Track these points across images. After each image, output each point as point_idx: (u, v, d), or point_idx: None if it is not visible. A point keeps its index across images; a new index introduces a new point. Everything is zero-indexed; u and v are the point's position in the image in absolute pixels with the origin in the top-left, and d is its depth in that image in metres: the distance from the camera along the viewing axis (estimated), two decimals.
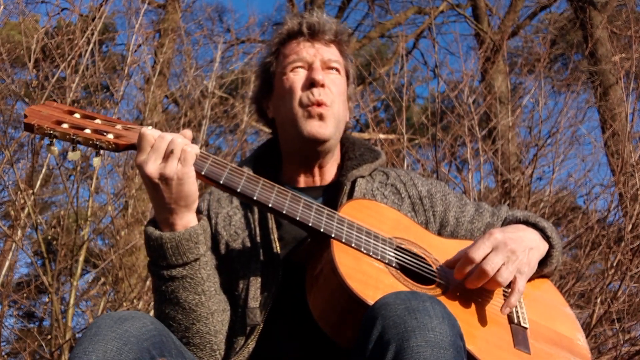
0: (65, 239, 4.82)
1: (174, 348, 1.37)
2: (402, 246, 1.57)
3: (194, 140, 1.49)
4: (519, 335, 1.54)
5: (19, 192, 4.84)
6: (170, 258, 1.45)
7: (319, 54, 1.75)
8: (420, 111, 8.30)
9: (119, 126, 1.48)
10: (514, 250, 1.52)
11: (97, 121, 1.48)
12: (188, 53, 7.95)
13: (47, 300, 6.99)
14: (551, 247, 1.68)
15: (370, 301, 1.31)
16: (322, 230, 1.48)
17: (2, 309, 5.45)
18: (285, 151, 1.81)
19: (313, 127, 1.68)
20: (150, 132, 1.43)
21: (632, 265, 4.07)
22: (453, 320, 1.22)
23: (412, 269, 1.53)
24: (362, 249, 1.48)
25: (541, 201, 5.16)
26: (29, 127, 1.41)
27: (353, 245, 1.48)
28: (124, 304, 4.88)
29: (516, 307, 1.60)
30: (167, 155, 1.41)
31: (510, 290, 1.54)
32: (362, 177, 1.76)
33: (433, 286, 1.52)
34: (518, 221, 1.73)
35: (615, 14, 9.71)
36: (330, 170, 1.80)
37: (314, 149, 1.72)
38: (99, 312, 5.31)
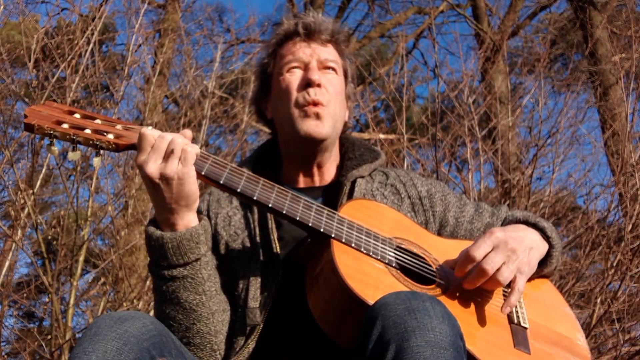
0: (65, 239, 4.82)
1: (174, 348, 1.37)
2: (402, 246, 1.57)
3: (194, 140, 1.49)
4: (519, 335, 1.54)
5: (19, 192, 4.84)
6: (171, 258, 1.45)
7: (315, 54, 1.76)
8: (420, 111, 8.30)
9: (119, 126, 1.48)
10: (515, 250, 1.52)
11: (97, 121, 1.48)
12: (188, 53, 7.95)
13: (47, 300, 6.99)
14: (551, 247, 1.68)
15: (370, 301, 1.31)
16: (322, 230, 1.48)
17: (2, 309, 5.45)
18: (284, 151, 1.81)
19: (310, 127, 1.68)
20: (150, 132, 1.43)
21: (632, 265, 4.07)
22: (453, 320, 1.22)
23: (412, 269, 1.53)
24: (362, 249, 1.48)
25: (541, 201, 5.16)
26: (29, 127, 1.41)
27: (353, 245, 1.48)
28: (124, 304, 4.88)
29: (516, 307, 1.60)
30: (168, 155, 1.41)
31: (510, 289, 1.54)
32: (362, 177, 1.77)
33: (433, 286, 1.53)
34: (518, 221, 1.73)
35: (615, 14, 9.70)
36: (329, 170, 1.80)
37: (311, 149, 1.73)
38: (99, 312, 5.31)
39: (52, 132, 1.41)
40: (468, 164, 5.19)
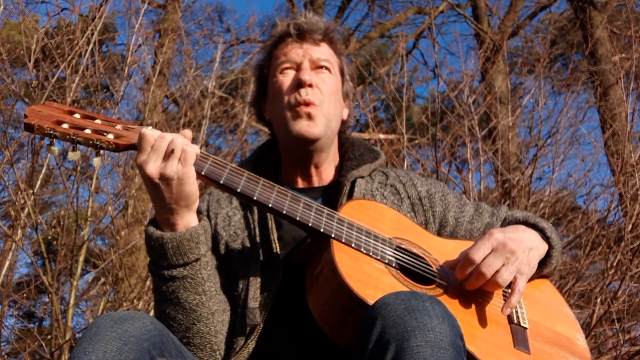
0: (65, 239, 4.82)
1: (173, 348, 1.37)
2: (402, 246, 1.57)
3: (194, 140, 1.49)
4: (518, 336, 1.54)
5: (19, 192, 4.84)
6: (171, 258, 1.45)
7: (307, 54, 1.76)
8: (420, 111, 8.30)
9: (119, 126, 1.48)
10: (514, 251, 1.52)
11: (97, 121, 1.48)
12: (188, 53, 7.95)
13: (47, 300, 6.99)
14: (551, 247, 1.68)
15: (370, 301, 1.31)
16: (322, 230, 1.48)
17: (2, 309, 5.45)
18: (282, 152, 1.82)
19: (302, 127, 1.68)
20: (150, 133, 1.43)
21: (632, 265, 4.07)
22: (453, 320, 1.22)
23: (412, 269, 1.53)
24: (362, 249, 1.48)
25: (541, 201, 5.16)
26: (29, 127, 1.41)
27: (353, 245, 1.48)
28: (124, 304, 4.88)
29: (516, 307, 1.60)
30: (168, 155, 1.41)
31: (510, 291, 1.54)
32: (362, 177, 1.77)
33: (433, 286, 1.53)
34: (517, 221, 1.74)
35: (615, 14, 9.70)
36: (327, 170, 1.80)
37: (305, 149, 1.73)
38: (99, 312, 5.31)
39: (52, 132, 1.41)
40: (468, 164, 5.19)
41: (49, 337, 4.69)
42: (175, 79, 8.75)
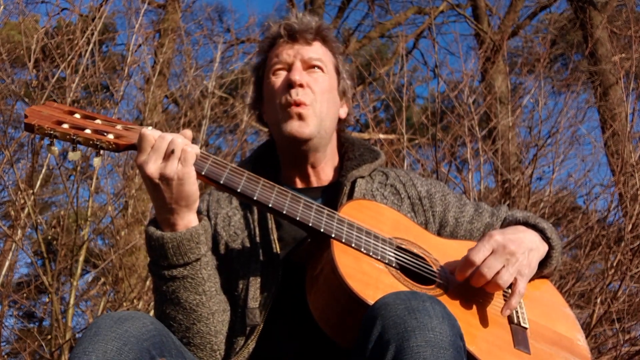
0: (65, 239, 4.82)
1: (174, 348, 1.37)
2: (402, 246, 1.57)
3: (194, 140, 1.49)
4: (519, 336, 1.54)
5: (19, 192, 4.84)
6: (172, 258, 1.45)
7: (298, 54, 1.76)
8: (420, 111, 8.30)
9: (119, 126, 1.48)
10: (514, 252, 1.52)
11: (98, 121, 1.48)
12: (188, 53, 7.95)
13: (47, 300, 6.99)
14: (551, 248, 1.68)
15: (371, 301, 1.31)
16: (322, 230, 1.48)
17: (2, 309, 5.45)
18: (279, 153, 1.82)
19: (293, 127, 1.69)
20: (150, 133, 1.43)
21: (632, 265, 4.07)
22: (453, 320, 1.22)
23: (412, 269, 1.53)
24: (362, 249, 1.48)
25: (541, 201, 5.16)
26: (29, 128, 1.41)
27: (353, 245, 1.48)
28: (124, 304, 4.88)
29: (516, 308, 1.60)
30: (168, 155, 1.41)
31: (511, 292, 1.54)
32: (362, 177, 1.77)
33: (433, 286, 1.53)
34: (518, 222, 1.73)
35: (615, 14, 9.70)
36: (325, 170, 1.80)
37: (298, 149, 1.73)
38: (99, 312, 5.31)
39: (52, 132, 1.41)
40: (468, 164, 5.19)
41: (49, 337, 4.69)
42: (175, 79, 8.76)
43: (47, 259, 4.88)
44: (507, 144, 5.77)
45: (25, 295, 6.57)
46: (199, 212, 1.53)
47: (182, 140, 1.43)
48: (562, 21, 10.89)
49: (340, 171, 1.79)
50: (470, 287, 1.54)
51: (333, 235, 1.47)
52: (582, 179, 5.98)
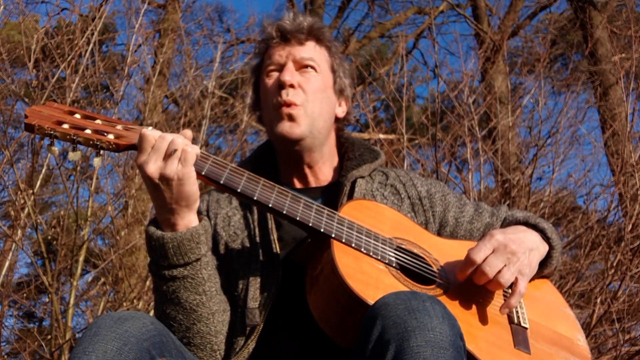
0: (65, 239, 4.82)
1: (173, 348, 1.37)
2: (402, 246, 1.57)
3: (194, 140, 1.49)
4: (519, 336, 1.54)
5: (19, 192, 4.84)
6: (172, 258, 1.45)
7: (290, 55, 1.76)
8: (420, 111, 8.29)
9: (119, 126, 1.48)
10: (515, 252, 1.53)
11: (98, 121, 1.48)
12: (188, 53, 7.95)
13: (47, 300, 6.99)
14: (551, 248, 1.68)
15: (371, 301, 1.31)
16: (322, 230, 1.48)
17: (2, 309, 5.45)
18: (277, 153, 1.82)
19: (284, 128, 1.69)
20: (150, 133, 1.43)
21: (632, 265, 4.07)
22: (453, 320, 1.22)
23: (413, 269, 1.53)
24: (362, 249, 1.48)
25: (541, 201, 5.16)
26: (29, 128, 1.41)
27: (353, 245, 1.48)
28: (124, 304, 4.88)
29: (516, 307, 1.60)
30: (168, 155, 1.41)
31: (511, 292, 1.55)
32: (362, 177, 1.76)
33: (433, 286, 1.53)
34: (518, 222, 1.74)
35: (615, 14, 9.70)
36: (323, 170, 1.80)
37: (291, 150, 1.73)
38: (99, 312, 5.31)
39: (52, 132, 1.41)
40: (468, 164, 5.19)
41: (49, 337, 4.69)
42: (175, 79, 8.76)
43: (47, 259, 4.88)
44: (507, 144, 5.77)
45: (25, 295, 6.57)
46: (198, 213, 1.53)
47: (182, 141, 1.43)
48: (562, 21, 10.89)
49: (340, 171, 1.79)
50: (470, 287, 1.54)
51: (333, 235, 1.47)
52: (582, 179, 5.99)
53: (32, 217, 4.67)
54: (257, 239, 1.65)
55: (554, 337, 1.61)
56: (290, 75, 1.71)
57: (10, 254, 5.40)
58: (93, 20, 5.53)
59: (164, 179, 1.40)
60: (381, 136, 6.56)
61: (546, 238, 1.68)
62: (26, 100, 5.35)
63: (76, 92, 5.01)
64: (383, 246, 1.53)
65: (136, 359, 1.23)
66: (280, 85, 1.71)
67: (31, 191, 4.74)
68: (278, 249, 1.61)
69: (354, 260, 1.45)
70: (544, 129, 5.78)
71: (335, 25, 12.21)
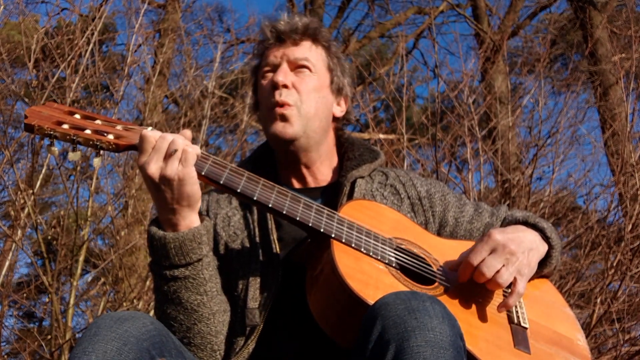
0: (65, 239, 4.82)
1: (173, 348, 1.37)
2: (402, 246, 1.57)
3: (194, 140, 1.49)
4: (519, 336, 1.54)
5: (19, 192, 4.84)
6: (174, 258, 1.45)
7: (285, 55, 1.76)
8: (420, 111, 8.29)
9: (119, 127, 1.48)
10: (514, 252, 1.53)
11: (98, 122, 1.48)
12: (188, 53, 7.95)
13: (47, 300, 6.99)
14: (551, 247, 1.68)
15: (371, 301, 1.31)
16: (322, 230, 1.48)
17: (2, 309, 5.45)
18: (275, 154, 1.82)
19: (277, 128, 1.69)
20: (151, 134, 1.43)
21: (632, 265, 4.07)
22: (453, 320, 1.22)
23: (412, 269, 1.53)
24: (362, 249, 1.48)
25: (541, 201, 5.16)
26: (29, 128, 1.41)
27: (353, 245, 1.48)
28: (124, 304, 4.88)
29: (516, 307, 1.61)
30: (168, 155, 1.41)
31: (510, 291, 1.55)
32: (362, 177, 1.76)
33: (433, 286, 1.53)
34: (517, 221, 1.73)
35: (615, 14, 9.70)
36: (321, 170, 1.80)
37: (286, 150, 1.74)
38: (99, 312, 5.31)
39: (52, 132, 1.42)
40: (468, 164, 5.20)
41: (49, 337, 4.69)
42: (175, 79, 8.77)
43: (47, 259, 4.88)
44: (507, 144, 5.77)
45: (25, 295, 6.57)
46: (199, 213, 1.53)
47: (183, 141, 1.43)
48: (562, 21, 10.90)
49: (340, 171, 1.79)
50: (470, 287, 1.55)
51: (333, 236, 1.47)
52: (582, 179, 5.99)
53: (32, 217, 4.67)
54: (257, 239, 1.65)
55: (554, 337, 1.61)
56: (283, 75, 1.71)
57: (10, 254, 5.40)
58: (93, 20, 5.53)
59: (165, 179, 1.40)
60: (381, 136, 6.56)
61: (545, 238, 1.68)
62: (26, 100, 5.35)
63: (76, 92, 5.01)
64: (383, 246, 1.53)
65: (136, 359, 1.23)
66: (274, 86, 1.71)
67: (31, 191, 4.74)
68: (278, 249, 1.61)
69: (354, 260, 1.45)
70: (544, 129, 5.79)
71: (335, 25, 12.22)
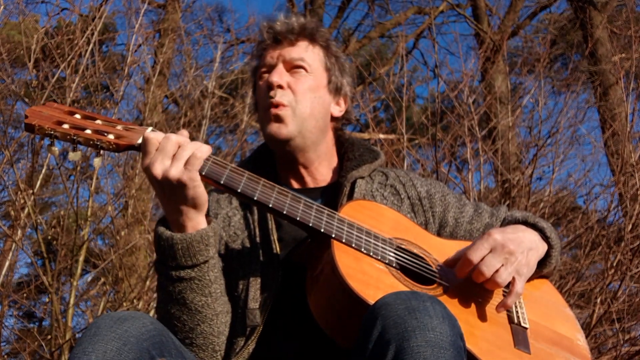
0: (65, 239, 4.82)
1: (173, 348, 1.37)
2: (402, 246, 1.57)
3: (194, 141, 1.49)
4: (519, 335, 1.54)
5: (19, 192, 4.84)
6: (180, 259, 1.45)
7: (281, 56, 1.76)
8: (420, 111, 8.29)
9: (119, 127, 1.48)
10: (513, 252, 1.53)
11: (98, 122, 1.48)
12: (188, 53, 7.95)
13: (47, 300, 7.00)
14: (550, 247, 1.68)
15: (371, 301, 1.31)
16: (322, 230, 1.48)
17: (2, 309, 5.46)
18: (274, 154, 1.82)
19: (272, 129, 1.69)
20: (154, 136, 1.43)
21: (632, 265, 4.08)
22: (453, 320, 1.22)
23: (413, 269, 1.53)
24: (363, 249, 1.48)
25: (541, 201, 5.16)
26: (29, 128, 1.41)
27: (353, 245, 1.48)
28: (124, 304, 4.88)
29: (516, 307, 1.61)
30: (173, 156, 1.41)
31: (509, 291, 1.55)
32: (362, 177, 1.76)
33: (433, 286, 1.53)
34: (517, 222, 1.73)
35: (615, 14, 9.71)
36: (319, 170, 1.79)
37: (282, 150, 1.74)
38: (99, 312, 5.31)
39: (52, 132, 1.41)
40: (468, 164, 5.20)
41: (49, 337, 4.69)
42: (175, 79, 8.77)
43: (47, 259, 4.88)
44: (507, 144, 5.77)
45: (25, 295, 6.57)
46: (206, 215, 1.52)
47: (193, 145, 1.43)
48: (562, 21, 10.90)
49: (340, 171, 1.79)
50: (470, 287, 1.55)
51: (333, 236, 1.47)
52: (582, 179, 5.99)
53: (32, 217, 4.67)
54: (257, 239, 1.65)
55: (554, 337, 1.61)
56: (278, 76, 1.71)
57: (10, 254, 5.41)
58: (93, 20, 5.53)
59: (170, 180, 1.40)
60: (381, 136, 6.56)
61: (545, 237, 1.68)
62: (26, 100, 5.35)
63: (76, 92, 5.01)
64: (383, 246, 1.53)
65: (136, 359, 1.23)
66: (269, 87, 1.71)
67: (31, 191, 4.74)
68: (278, 249, 1.61)
69: (354, 261, 1.45)
70: (544, 129, 5.80)
71: (335, 25, 12.22)
